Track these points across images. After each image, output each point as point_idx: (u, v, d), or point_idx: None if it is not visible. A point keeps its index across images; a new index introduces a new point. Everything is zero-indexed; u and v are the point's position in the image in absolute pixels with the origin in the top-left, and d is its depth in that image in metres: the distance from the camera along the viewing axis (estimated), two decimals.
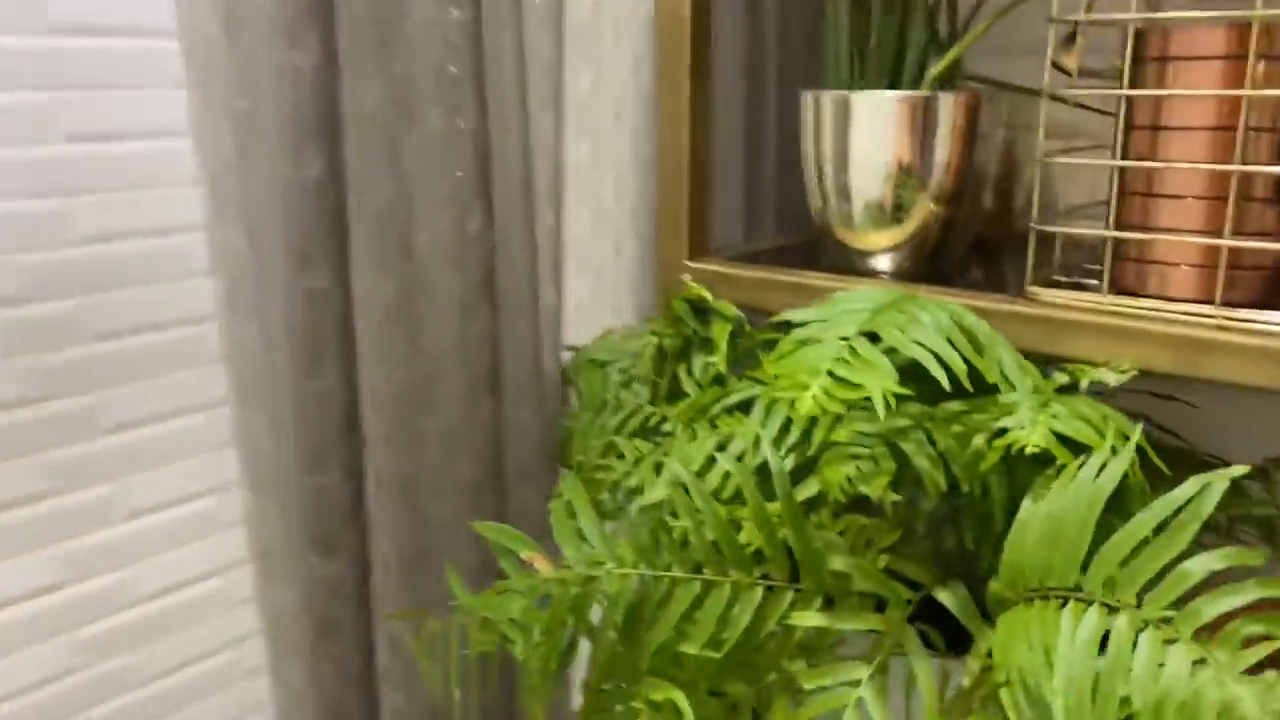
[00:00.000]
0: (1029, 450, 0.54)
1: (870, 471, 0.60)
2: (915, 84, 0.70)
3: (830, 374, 0.52)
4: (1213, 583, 0.41)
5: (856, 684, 0.55)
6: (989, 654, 0.57)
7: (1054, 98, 0.61)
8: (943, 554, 0.69)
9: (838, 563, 0.59)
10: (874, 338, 0.56)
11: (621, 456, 0.70)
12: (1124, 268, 0.62)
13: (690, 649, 0.58)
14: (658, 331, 0.76)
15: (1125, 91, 0.58)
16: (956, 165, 0.70)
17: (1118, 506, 0.55)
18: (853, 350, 0.53)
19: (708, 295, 0.71)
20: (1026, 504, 0.53)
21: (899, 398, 0.61)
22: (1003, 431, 0.56)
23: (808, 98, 0.73)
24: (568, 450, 0.79)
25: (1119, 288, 0.62)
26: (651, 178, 0.89)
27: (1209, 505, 0.42)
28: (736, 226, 0.92)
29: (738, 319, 0.71)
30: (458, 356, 0.66)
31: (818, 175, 0.73)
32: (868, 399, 0.55)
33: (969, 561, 0.68)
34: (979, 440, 0.57)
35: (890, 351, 0.55)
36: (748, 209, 0.92)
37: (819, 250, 0.88)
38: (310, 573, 0.64)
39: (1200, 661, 0.38)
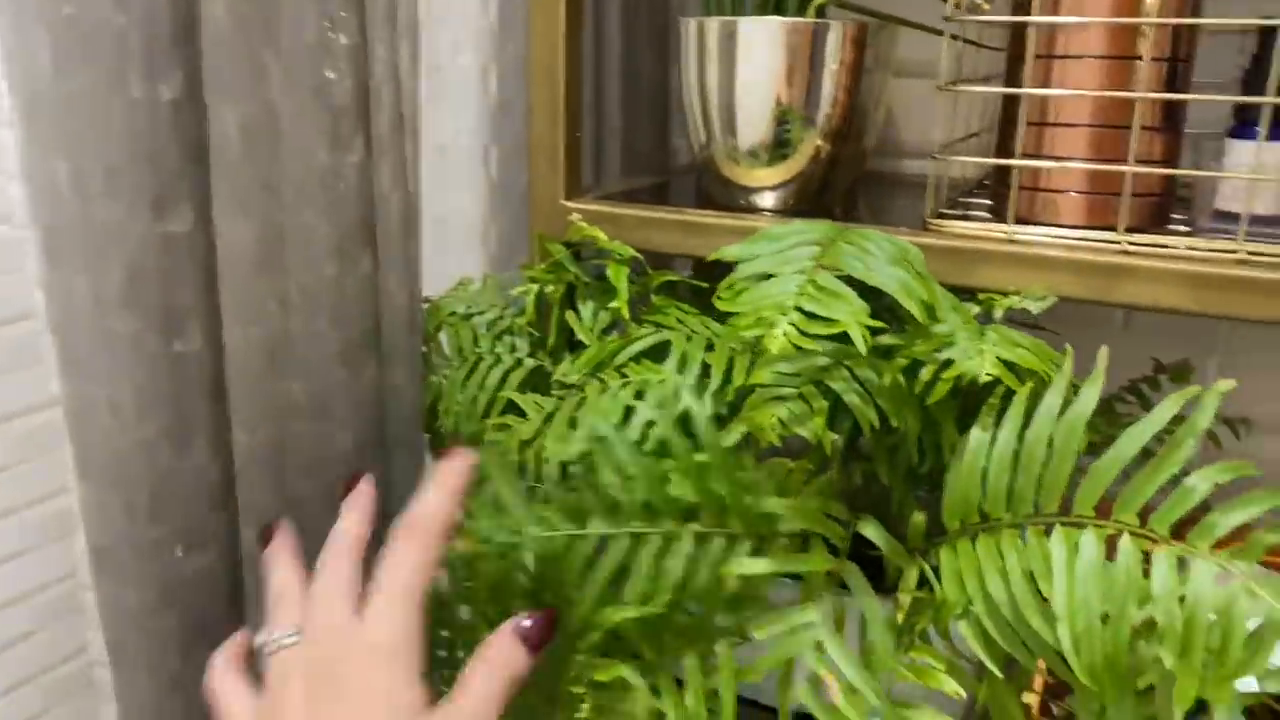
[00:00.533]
0: (982, 379, 0.53)
1: (803, 412, 0.58)
2: (799, 13, 0.68)
3: (799, 309, 0.49)
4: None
5: (810, 626, 0.53)
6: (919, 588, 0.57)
7: (953, 36, 0.61)
8: (851, 493, 0.69)
9: (773, 505, 0.57)
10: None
11: (522, 414, 0.64)
12: (1020, 196, 0.63)
13: (627, 613, 0.55)
14: (537, 278, 0.71)
15: (1032, 19, 0.59)
16: (844, 100, 0.68)
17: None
18: (815, 284, 0.50)
19: (600, 235, 0.66)
20: (976, 434, 0.53)
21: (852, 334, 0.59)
22: (948, 363, 0.55)
23: (689, 25, 0.69)
24: (435, 412, 0.72)
25: (1016, 216, 0.63)
26: (505, 117, 0.82)
27: (1205, 420, 0.43)
28: (586, 168, 0.87)
29: (634, 260, 0.66)
30: (331, 311, 0.58)
31: (700, 106, 0.70)
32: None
33: (877, 500, 0.68)
34: (925, 372, 0.56)
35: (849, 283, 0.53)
36: (596, 149, 0.88)
37: (679, 188, 0.86)
38: (171, 569, 0.55)
39: (1224, 575, 0.39)
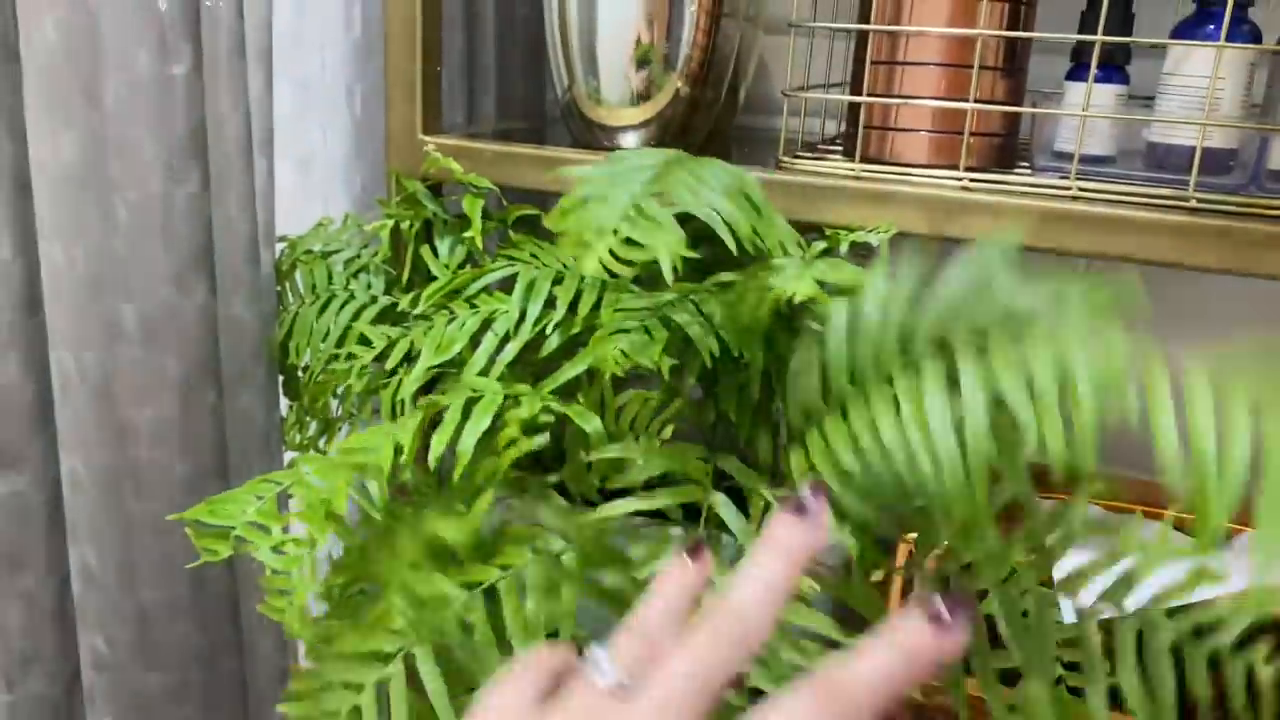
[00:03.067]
0: (797, 299, 0.54)
1: (643, 342, 0.58)
2: None
3: (616, 234, 0.49)
4: None
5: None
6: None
7: None
8: (706, 435, 0.69)
9: (632, 451, 0.56)
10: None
11: (367, 342, 0.63)
12: (867, 137, 0.64)
13: (456, 534, 0.54)
14: (393, 214, 0.69)
15: None
16: (703, 44, 0.68)
17: None
18: (640, 210, 0.50)
19: (455, 166, 0.65)
20: (807, 339, 0.53)
21: (685, 263, 0.59)
22: (770, 288, 0.55)
23: None
24: (287, 349, 0.71)
25: (864, 156, 0.63)
26: (370, 56, 0.81)
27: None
28: (458, 112, 0.86)
29: (489, 192, 0.65)
30: (160, 232, 0.55)
31: (563, 47, 0.69)
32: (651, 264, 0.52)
33: (731, 441, 0.69)
34: (751, 297, 0.56)
35: (681, 218, 0.53)
36: (469, 93, 0.86)
37: (553, 133, 0.85)
38: None
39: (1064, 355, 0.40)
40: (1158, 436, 0.36)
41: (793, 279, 0.54)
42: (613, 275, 0.48)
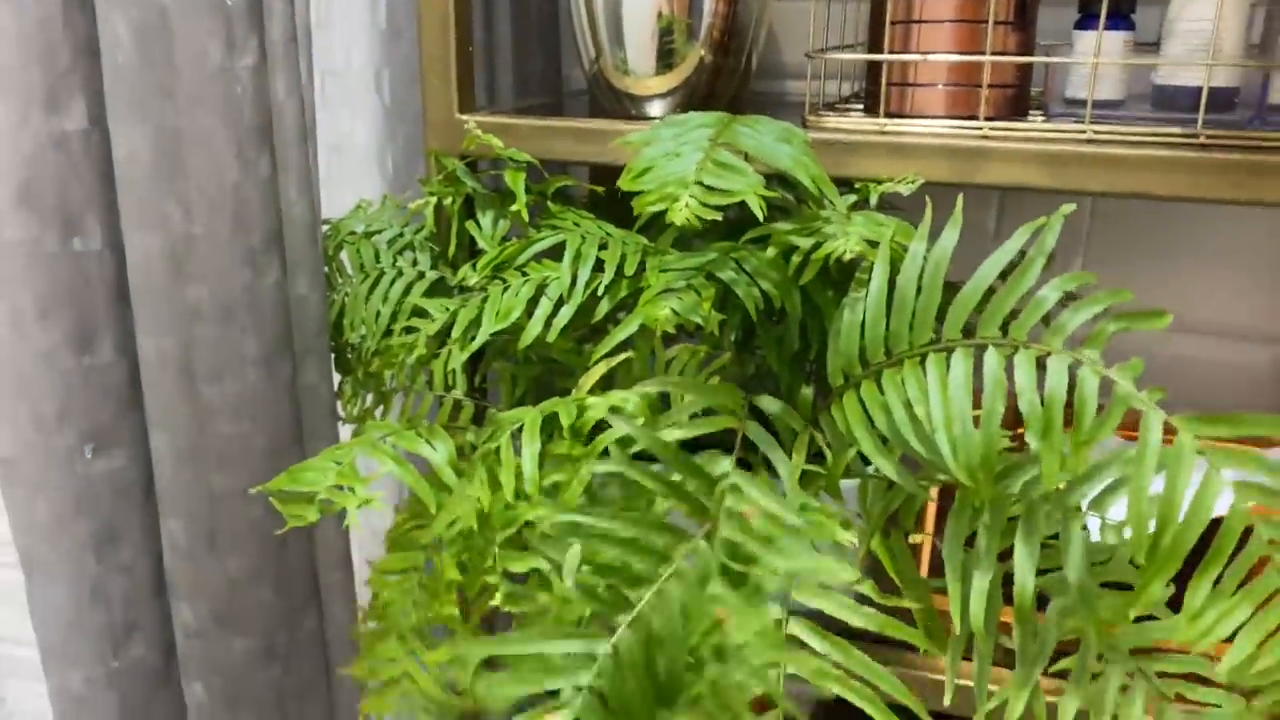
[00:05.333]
0: (846, 257, 0.57)
1: (692, 300, 0.61)
2: None
3: (699, 183, 0.52)
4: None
5: (725, 476, 0.57)
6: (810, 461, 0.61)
7: None
8: (745, 383, 0.72)
9: (677, 385, 0.60)
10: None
11: (422, 314, 0.66)
12: (888, 93, 0.67)
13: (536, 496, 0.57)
14: (435, 191, 0.72)
15: None
16: (724, 12, 0.71)
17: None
18: (714, 160, 0.53)
19: (496, 142, 0.68)
20: (851, 295, 0.57)
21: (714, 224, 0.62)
22: (818, 245, 0.59)
23: None
24: (340, 326, 0.74)
25: (887, 112, 0.67)
26: (395, 41, 0.83)
27: (1051, 240, 0.47)
28: (480, 91, 0.88)
29: (531, 165, 0.69)
30: (233, 214, 0.59)
31: (589, 21, 0.72)
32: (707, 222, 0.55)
33: (770, 390, 0.72)
34: (796, 255, 0.59)
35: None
36: (489, 72, 0.89)
37: (571, 108, 0.88)
38: (85, 469, 0.55)
39: (1076, 364, 0.43)
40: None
41: (840, 236, 0.58)
42: (702, 222, 0.51)
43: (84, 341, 0.54)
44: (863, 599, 0.53)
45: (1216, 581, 0.41)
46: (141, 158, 0.54)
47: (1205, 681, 0.49)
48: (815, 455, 0.61)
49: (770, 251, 0.62)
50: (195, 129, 0.55)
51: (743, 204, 0.63)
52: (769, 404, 0.63)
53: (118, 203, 0.54)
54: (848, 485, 0.63)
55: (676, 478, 0.51)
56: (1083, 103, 0.61)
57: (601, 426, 0.58)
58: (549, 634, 0.49)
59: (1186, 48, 0.60)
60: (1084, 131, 0.61)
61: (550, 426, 0.57)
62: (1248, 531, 0.43)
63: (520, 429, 0.55)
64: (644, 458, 0.54)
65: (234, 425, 0.59)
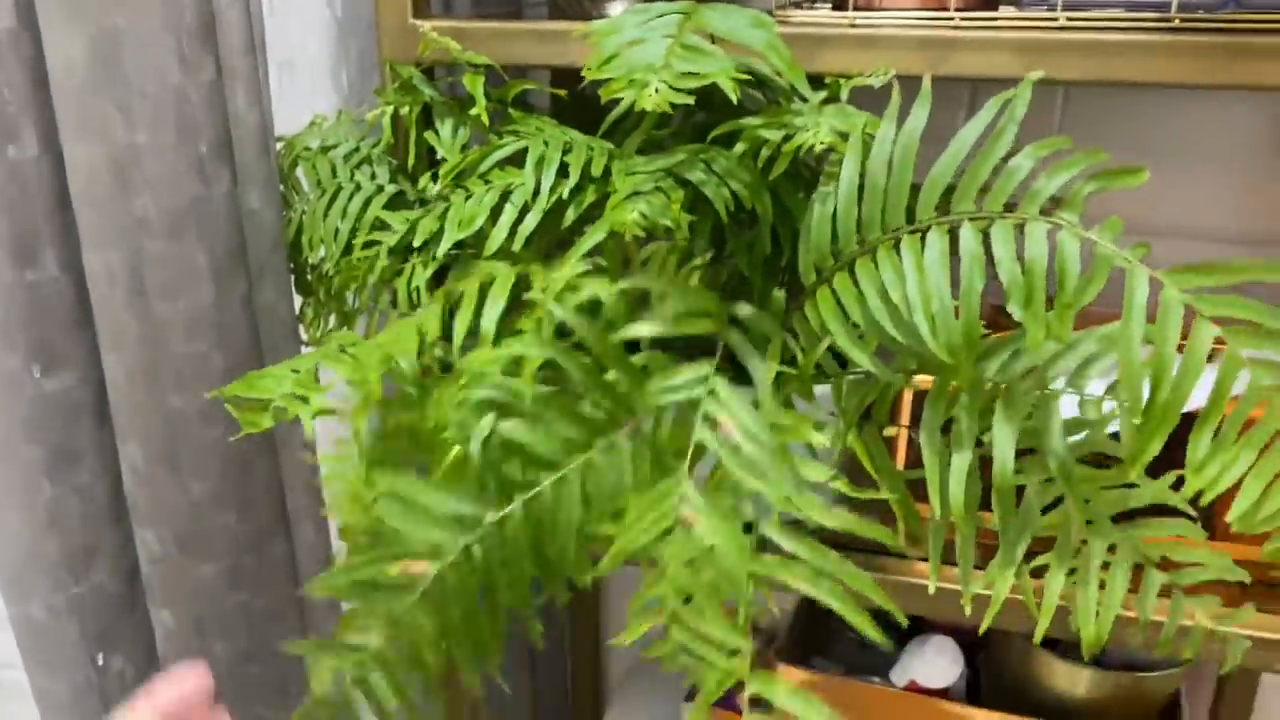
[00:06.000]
0: (818, 148, 0.56)
1: (661, 203, 0.60)
2: None
3: (669, 67, 0.50)
4: None
5: (705, 379, 0.56)
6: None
7: None
8: (717, 286, 0.71)
9: (656, 283, 0.58)
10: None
11: (383, 227, 0.64)
12: None
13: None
14: (391, 101, 0.70)
15: None
16: None
17: None
18: (683, 44, 0.51)
19: (453, 44, 0.66)
20: (823, 190, 0.55)
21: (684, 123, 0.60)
22: (788, 138, 0.57)
23: None
24: (299, 245, 0.71)
25: (855, 5, 0.65)
26: None
27: (1021, 109, 0.46)
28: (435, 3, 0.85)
29: (490, 70, 0.66)
30: (177, 120, 0.56)
31: None
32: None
33: (739, 292, 0.71)
34: (765, 149, 0.58)
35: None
36: None
37: (529, 15, 0.85)
38: (34, 390, 0.53)
39: (1055, 229, 0.42)
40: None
41: (809, 129, 0.56)
42: (671, 116, 0.49)
43: (24, 255, 0.52)
44: (838, 498, 0.53)
45: (1216, 432, 0.41)
46: (76, 62, 0.52)
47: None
48: (790, 361, 0.60)
49: (739, 147, 0.60)
50: (133, 30, 0.53)
51: (711, 104, 0.61)
52: (742, 309, 0.62)
53: (54, 108, 0.51)
54: (823, 390, 0.62)
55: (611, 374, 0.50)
56: None
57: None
58: (455, 491, 0.49)
59: None
60: (1057, 18, 0.59)
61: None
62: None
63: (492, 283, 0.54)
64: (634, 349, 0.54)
65: (189, 344, 0.57)
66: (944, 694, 0.88)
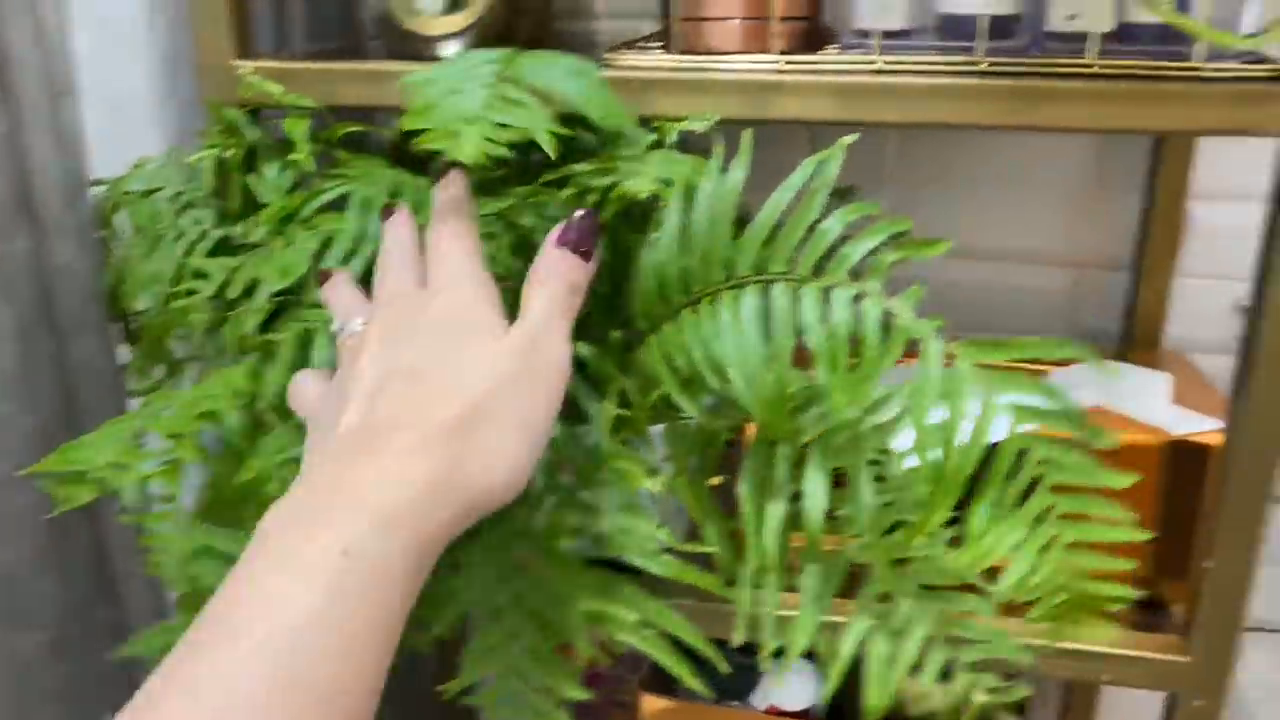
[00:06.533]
0: (641, 196, 0.56)
1: (490, 249, 0.59)
2: None
3: (485, 119, 0.50)
4: None
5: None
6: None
7: None
8: None
9: None
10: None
11: (203, 276, 0.62)
12: (682, 30, 0.66)
13: None
14: (214, 144, 0.67)
15: None
16: None
17: None
18: (501, 96, 0.51)
19: (275, 89, 0.64)
20: (651, 236, 0.56)
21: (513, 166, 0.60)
22: (614, 185, 0.57)
23: None
24: (120, 294, 0.68)
25: (681, 49, 0.66)
26: None
27: (833, 170, 0.47)
28: (266, 36, 0.83)
29: (317, 112, 0.65)
30: None
31: None
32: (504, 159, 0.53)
33: (582, 332, 0.71)
34: (590, 196, 0.57)
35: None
36: (277, 15, 0.84)
37: (370, 51, 0.83)
38: None
39: (859, 297, 0.43)
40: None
41: (634, 175, 0.56)
42: (500, 166, 0.49)
43: None
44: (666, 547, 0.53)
45: (996, 503, 0.42)
46: None
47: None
48: (628, 403, 0.61)
49: (567, 193, 0.60)
50: None
51: (535, 146, 0.61)
52: (581, 349, 0.62)
53: None
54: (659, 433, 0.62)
55: None
56: (871, 34, 0.61)
57: None
58: None
59: None
60: (874, 62, 0.61)
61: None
62: (1024, 453, 0.44)
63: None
64: None
65: None
66: (804, 716, 0.90)
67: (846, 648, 0.48)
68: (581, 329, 0.70)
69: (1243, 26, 0.63)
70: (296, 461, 0.52)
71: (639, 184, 0.56)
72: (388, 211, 0.56)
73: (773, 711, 0.89)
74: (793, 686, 0.89)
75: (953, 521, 0.42)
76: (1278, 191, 0.57)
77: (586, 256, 0.50)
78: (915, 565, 0.48)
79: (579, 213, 0.51)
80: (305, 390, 0.51)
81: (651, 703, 0.90)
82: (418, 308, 0.48)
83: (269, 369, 0.54)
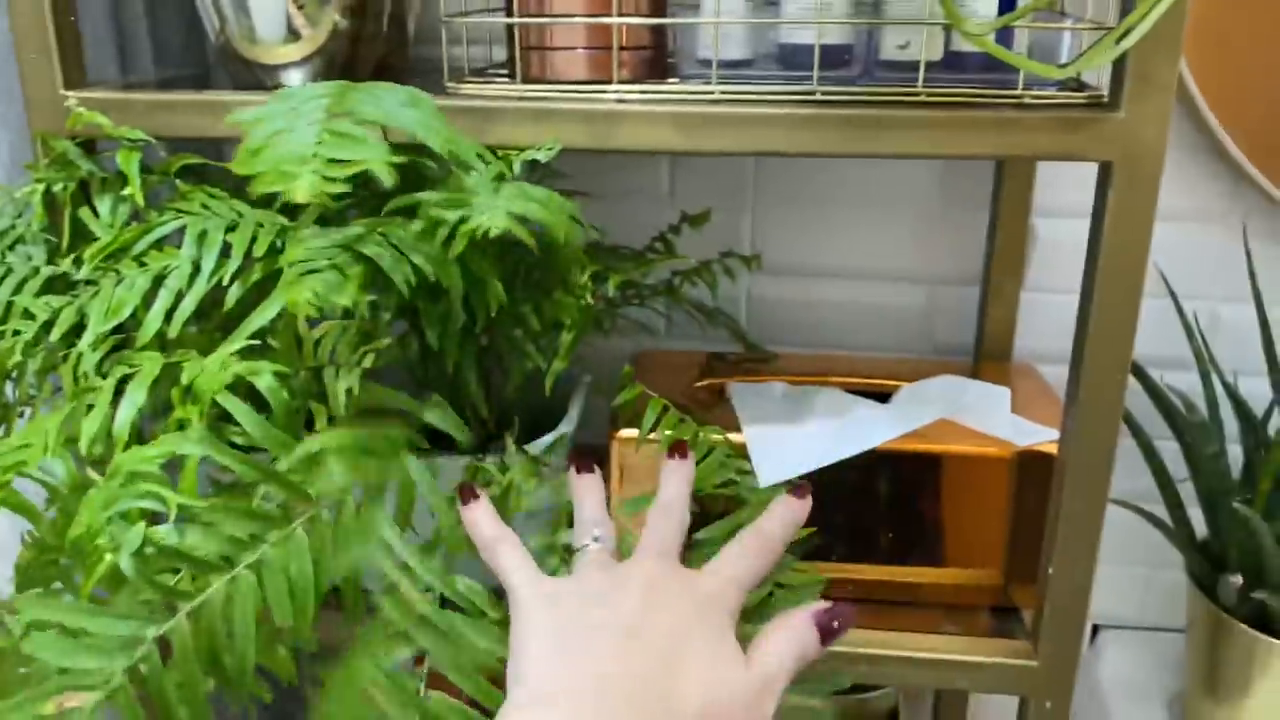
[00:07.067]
0: (493, 233, 0.55)
1: (336, 280, 0.58)
2: None
3: (318, 156, 0.48)
4: None
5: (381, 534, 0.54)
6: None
7: None
8: (409, 362, 0.70)
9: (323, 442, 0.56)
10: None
11: (31, 316, 0.59)
12: (527, 58, 0.66)
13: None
14: (43, 177, 0.65)
15: None
16: None
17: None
18: (333, 131, 0.50)
19: (104, 120, 0.62)
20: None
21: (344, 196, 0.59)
22: (464, 219, 0.56)
23: None
24: None
25: (527, 77, 0.66)
26: None
27: None
28: (109, 64, 0.80)
29: (144, 143, 0.63)
30: None
31: None
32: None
33: (439, 370, 0.70)
34: (441, 230, 0.57)
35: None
36: (119, 43, 0.81)
37: (219, 79, 0.81)
38: None
39: None
40: None
41: (487, 210, 0.56)
42: (339, 199, 0.48)
43: None
44: None
45: None
46: None
47: None
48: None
49: (418, 225, 0.59)
50: None
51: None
52: (437, 416, 0.61)
53: None
54: None
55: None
56: (712, 63, 0.62)
57: None
58: (112, 609, 0.47)
59: (800, 8, 0.62)
60: (711, 92, 0.62)
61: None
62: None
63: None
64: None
65: None
66: None
67: None
68: (435, 370, 0.70)
69: (1063, 55, 0.66)
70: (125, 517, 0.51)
71: (493, 219, 0.55)
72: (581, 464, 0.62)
73: None
74: None
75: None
76: (1097, 213, 0.60)
77: (825, 642, 0.52)
78: None
79: (844, 608, 0.53)
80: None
81: None
82: (670, 577, 0.53)
83: (88, 416, 0.52)
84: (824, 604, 0.53)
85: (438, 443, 0.63)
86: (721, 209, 0.90)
